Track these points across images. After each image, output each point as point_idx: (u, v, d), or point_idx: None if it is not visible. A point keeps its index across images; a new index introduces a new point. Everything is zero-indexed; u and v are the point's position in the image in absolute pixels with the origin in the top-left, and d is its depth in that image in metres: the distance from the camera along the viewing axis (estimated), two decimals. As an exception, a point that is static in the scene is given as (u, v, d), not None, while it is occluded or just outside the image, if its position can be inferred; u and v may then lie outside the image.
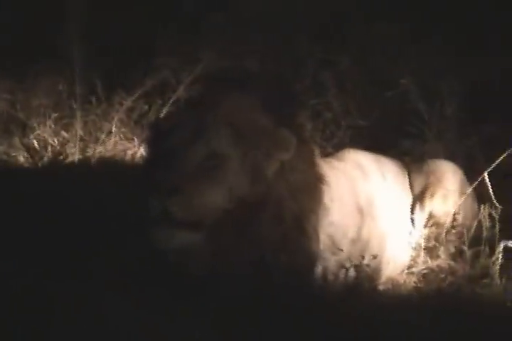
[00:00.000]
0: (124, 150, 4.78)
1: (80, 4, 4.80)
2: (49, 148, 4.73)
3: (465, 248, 3.72)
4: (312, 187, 3.34)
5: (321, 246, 3.37)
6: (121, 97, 4.84)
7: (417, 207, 3.97)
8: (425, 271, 3.77)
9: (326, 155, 3.99)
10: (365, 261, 3.48)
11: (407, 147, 4.64)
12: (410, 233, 3.89)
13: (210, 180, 3.08)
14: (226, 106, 3.22)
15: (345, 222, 3.52)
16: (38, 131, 4.80)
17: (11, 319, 2.84)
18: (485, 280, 3.59)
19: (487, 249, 3.67)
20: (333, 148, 4.59)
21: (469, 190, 3.94)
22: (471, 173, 4.06)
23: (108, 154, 4.72)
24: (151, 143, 3.36)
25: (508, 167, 3.97)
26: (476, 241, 3.74)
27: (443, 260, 3.76)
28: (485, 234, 3.71)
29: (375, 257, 3.55)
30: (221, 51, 4.96)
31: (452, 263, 3.74)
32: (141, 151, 4.65)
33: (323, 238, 3.38)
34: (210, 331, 2.88)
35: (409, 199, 4.00)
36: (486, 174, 3.78)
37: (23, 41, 5.23)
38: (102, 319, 2.89)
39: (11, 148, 4.73)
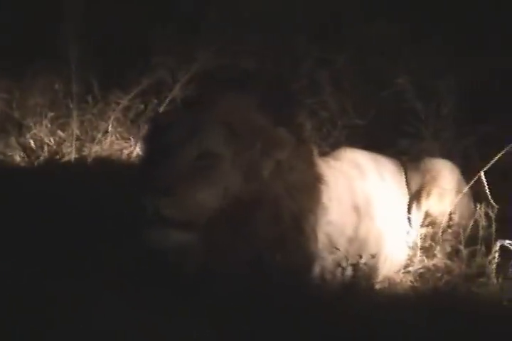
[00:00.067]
0: (121, 150, 4.77)
1: (77, 4, 4.79)
2: (45, 148, 4.73)
3: (461, 247, 3.72)
4: (311, 186, 3.34)
5: (319, 246, 3.37)
6: (118, 96, 4.84)
7: (414, 206, 3.97)
8: (421, 270, 3.76)
9: (323, 154, 3.98)
10: (363, 260, 3.48)
11: (403, 146, 4.63)
12: (407, 232, 3.90)
13: (203, 179, 3.08)
14: (222, 105, 3.21)
15: (342, 220, 3.51)
16: (34, 131, 4.79)
17: (8, 318, 2.83)
18: (481, 280, 3.58)
19: (483, 248, 3.66)
20: (330, 147, 4.57)
21: (466, 188, 3.94)
22: (467, 172, 4.05)
23: (104, 153, 4.72)
24: (148, 139, 3.35)
25: (505, 166, 3.98)
26: (472, 240, 3.74)
27: (439, 259, 3.76)
28: (481, 233, 3.72)
29: (373, 256, 3.55)
30: (218, 50, 4.95)
31: (449, 262, 3.73)
32: (138, 151, 4.65)
33: (321, 237, 3.37)
34: (207, 331, 2.88)
35: (406, 198, 4.01)
36: (482, 173, 3.78)
37: (20, 41, 5.21)
38: (99, 318, 2.89)
39: (7, 148, 4.72)
